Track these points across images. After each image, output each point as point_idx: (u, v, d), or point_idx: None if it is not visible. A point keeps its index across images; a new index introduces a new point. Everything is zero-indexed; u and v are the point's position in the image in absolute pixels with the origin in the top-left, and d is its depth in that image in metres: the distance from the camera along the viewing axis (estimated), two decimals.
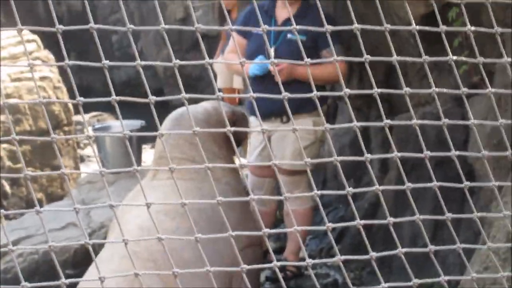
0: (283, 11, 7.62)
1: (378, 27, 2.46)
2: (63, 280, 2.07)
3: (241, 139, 7.23)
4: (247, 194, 6.56)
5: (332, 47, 2.93)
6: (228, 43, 10.19)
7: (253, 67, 7.42)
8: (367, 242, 2.43)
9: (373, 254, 2.41)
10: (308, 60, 2.63)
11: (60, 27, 1.95)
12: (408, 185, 2.49)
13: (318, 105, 2.80)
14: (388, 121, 2.50)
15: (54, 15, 2.07)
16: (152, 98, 2.10)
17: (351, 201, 2.63)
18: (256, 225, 6.21)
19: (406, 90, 2.47)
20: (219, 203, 2.52)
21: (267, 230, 2.65)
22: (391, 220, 2.48)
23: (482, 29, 2.67)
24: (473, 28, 2.63)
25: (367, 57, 2.46)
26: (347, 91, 2.44)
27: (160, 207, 5.65)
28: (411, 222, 2.59)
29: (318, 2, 2.71)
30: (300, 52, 2.54)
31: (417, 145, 2.55)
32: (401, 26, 2.45)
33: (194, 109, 6.61)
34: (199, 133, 5.80)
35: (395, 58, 2.40)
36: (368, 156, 2.46)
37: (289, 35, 7.47)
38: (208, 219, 5.62)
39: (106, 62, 2.11)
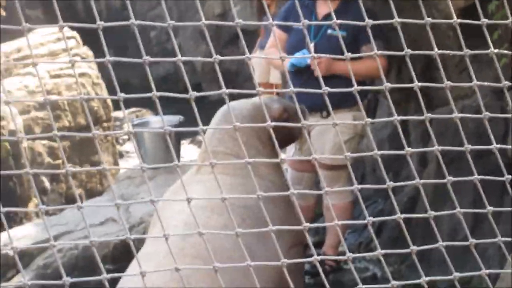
0: (324, 7, 7.60)
1: (419, 21, 2.45)
2: (105, 275, 2.07)
3: (294, 136, 6.84)
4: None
5: (373, 43, 2.91)
6: (267, 38, 10.22)
7: (290, 63, 7.42)
8: (407, 236, 2.42)
9: (414, 248, 2.40)
10: (348, 55, 2.61)
11: (101, 24, 1.96)
12: (449, 178, 2.48)
13: (359, 99, 2.79)
14: (429, 114, 2.49)
15: (95, 11, 2.07)
16: (193, 94, 2.10)
17: (391, 194, 2.62)
18: (299, 222, 6.13)
19: (447, 83, 2.45)
20: (259, 198, 2.52)
21: (307, 225, 2.65)
22: (432, 213, 2.47)
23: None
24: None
25: (407, 51, 2.45)
26: (387, 85, 2.44)
27: (205, 202, 5.57)
28: (450, 216, 2.58)
29: (360, 3, 2.70)
30: (340, 48, 2.53)
31: (455, 138, 2.55)
32: (442, 20, 2.44)
33: (243, 104, 6.51)
34: (243, 129, 5.76)
35: (436, 51, 2.39)
36: (408, 149, 2.45)
37: (329, 31, 7.45)
38: (255, 217, 5.49)
39: (147, 58, 2.11)
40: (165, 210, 5.73)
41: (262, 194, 2.60)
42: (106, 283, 2.01)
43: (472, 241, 2.47)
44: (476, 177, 2.48)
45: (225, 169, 5.77)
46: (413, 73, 2.49)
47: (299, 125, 2.53)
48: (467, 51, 2.46)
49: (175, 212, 5.71)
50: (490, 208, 2.48)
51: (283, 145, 6.81)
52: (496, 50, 2.50)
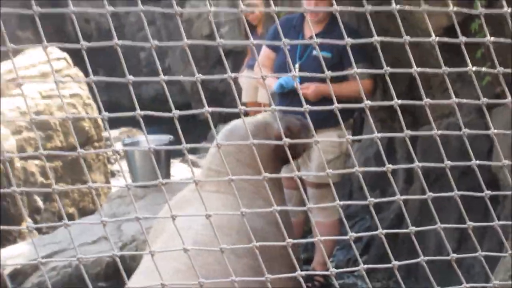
0: (312, 28, 7.62)
1: (398, 39, 2.45)
2: None
3: (298, 153, 6.77)
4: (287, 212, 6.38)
5: (354, 65, 2.90)
6: (253, 58, 10.26)
7: (278, 84, 7.43)
8: (389, 251, 2.42)
9: (396, 263, 2.40)
10: (328, 73, 2.61)
11: (84, 43, 1.95)
12: (429, 194, 2.49)
13: (340, 119, 2.80)
14: (409, 131, 2.49)
15: (78, 31, 2.07)
16: (176, 112, 2.10)
17: (373, 211, 2.63)
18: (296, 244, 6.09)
19: (426, 101, 2.46)
20: (242, 214, 2.51)
21: (290, 240, 2.65)
22: (413, 229, 2.47)
23: (502, 40, 2.66)
24: (492, 39, 2.62)
25: (386, 69, 2.45)
26: (367, 103, 2.43)
27: (206, 220, 5.49)
28: (436, 232, 2.58)
29: (341, 25, 2.70)
30: (329, 69, 2.53)
31: (440, 156, 2.54)
32: (421, 38, 2.44)
33: (243, 123, 6.39)
34: (244, 150, 5.73)
35: (414, 69, 2.39)
36: (389, 166, 2.45)
37: (314, 52, 7.44)
38: (262, 238, 5.38)
39: (130, 78, 2.11)
40: (167, 226, 5.65)
41: (246, 210, 2.58)
42: None
43: (453, 255, 2.47)
44: (456, 192, 2.49)
45: (228, 188, 5.63)
46: (393, 91, 2.49)
47: (281, 142, 2.52)
48: (445, 69, 2.46)
49: (181, 228, 5.61)
50: (470, 223, 2.48)
51: (285, 162, 6.78)
52: (474, 68, 2.50)
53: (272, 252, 4.55)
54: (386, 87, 7.52)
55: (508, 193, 2.63)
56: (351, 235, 2.62)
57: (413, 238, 2.54)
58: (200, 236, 5.23)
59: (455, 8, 2.61)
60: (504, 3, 2.66)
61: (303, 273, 2.61)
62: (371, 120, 2.60)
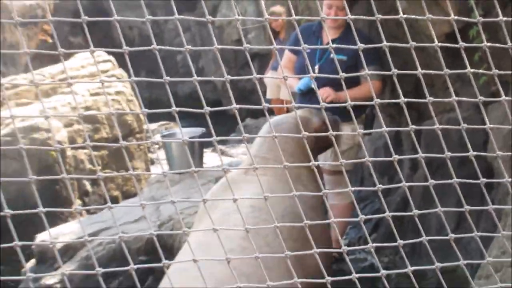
0: (329, 33, 7.61)
1: (405, 45, 2.44)
2: (132, 266, 2.05)
3: (330, 144, 6.79)
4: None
5: (365, 68, 2.90)
6: (277, 61, 10.27)
7: (297, 89, 7.49)
8: (395, 231, 2.42)
9: (400, 242, 2.39)
10: (342, 75, 2.60)
11: (127, 48, 1.95)
12: (431, 181, 2.48)
13: (353, 115, 2.79)
14: (413, 126, 2.49)
15: (122, 37, 2.07)
16: (207, 109, 2.09)
17: (381, 196, 2.62)
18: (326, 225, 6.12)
19: (429, 99, 2.45)
20: (265, 199, 2.50)
21: (307, 222, 2.64)
22: (416, 212, 2.47)
23: (497, 45, 2.64)
24: (488, 44, 2.61)
25: (394, 71, 2.45)
26: (377, 100, 2.43)
27: (255, 202, 5.49)
28: (437, 215, 2.57)
29: (354, 32, 2.69)
30: (342, 71, 2.53)
31: (442, 147, 2.53)
32: (425, 44, 2.43)
33: (287, 118, 6.52)
34: (288, 141, 5.76)
35: (419, 71, 2.38)
36: (395, 157, 2.45)
37: (332, 55, 7.43)
38: (299, 220, 5.37)
39: (167, 78, 2.10)
40: (215, 207, 5.67)
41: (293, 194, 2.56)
42: (134, 273, 1.99)
43: (451, 235, 2.46)
44: (455, 180, 2.48)
45: (274, 173, 5.75)
46: (399, 91, 2.48)
47: (300, 135, 2.50)
48: (447, 71, 2.45)
49: (232, 211, 5.65)
50: (467, 207, 2.47)
51: (323, 151, 7.01)
52: (472, 70, 2.50)
53: (311, 233, 4.51)
54: (394, 86, 7.50)
55: (502, 180, 2.61)
56: (362, 217, 2.61)
57: (417, 220, 2.53)
58: (251, 219, 5.24)
59: (456, 17, 2.60)
60: (499, 12, 2.64)
61: (318, 250, 2.58)
62: (381, 116, 2.60)
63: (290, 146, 6.11)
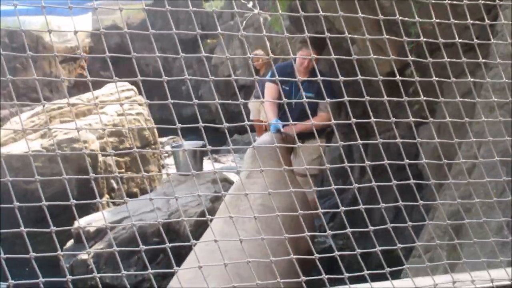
0: (301, 75, 7.92)
1: (354, 78, 2.44)
2: (142, 247, 2.02)
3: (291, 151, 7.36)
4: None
5: (321, 104, 2.90)
6: (257, 90, 10.35)
7: (272, 126, 7.67)
8: (346, 222, 2.39)
9: (349, 230, 2.38)
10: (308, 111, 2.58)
11: (141, 78, 1.94)
12: (373, 184, 2.46)
13: (316, 134, 2.79)
14: (360, 141, 2.48)
15: (137, 72, 2.05)
16: (201, 125, 2.08)
17: (335, 194, 2.61)
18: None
19: (372, 120, 2.44)
20: (269, 193, 2.48)
21: (279, 213, 2.61)
22: (362, 207, 2.45)
23: (426, 79, 2.64)
24: (419, 79, 2.60)
25: (346, 99, 2.45)
26: (334, 122, 2.42)
27: (264, 201, 5.59)
28: (379, 208, 2.55)
29: (320, 81, 2.68)
30: (310, 104, 2.54)
31: (383, 157, 2.52)
32: (370, 77, 2.43)
33: (268, 137, 6.87)
34: (271, 152, 5.93)
35: (366, 98, 2.38)
36: (346, 164, 2.44)
37: (303, 93, 7.54)
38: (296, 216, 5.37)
39: (171, 101, 2.09)
40: (234, 206, 5.80)
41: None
42: (143, 254, 1.96)
43: (389, 225, 2.45)
44: (394, 182, 2.47)
45: (271, 177, 5.79)
46: (351, 114, 2.47)
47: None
48: (386, 99, 2.45)
49: (246, 208, 5.78)
50: (402, 203, 2.47)
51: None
52: (408, 99, 2.49)
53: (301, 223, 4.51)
54: (347, 110, 7.54)
55: (426, 182, 2.61)
56: (320, 211, 2.61)
57: (363, 211, 2.51)
58: (262, 214, 5.30)
59: (394, 57, 2.59)
60: (428, 56, 2.64)
61: (286, 235, 2.56)
62: (337, 134, 2.58)
63: (275, 156, 6.20)
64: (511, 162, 2.75)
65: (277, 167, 6.05)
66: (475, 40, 2.71)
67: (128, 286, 1.93)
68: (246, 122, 2.47)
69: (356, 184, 2.54)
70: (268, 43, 3.02)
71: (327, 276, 2.12)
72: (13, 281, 1.70)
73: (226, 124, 2.26)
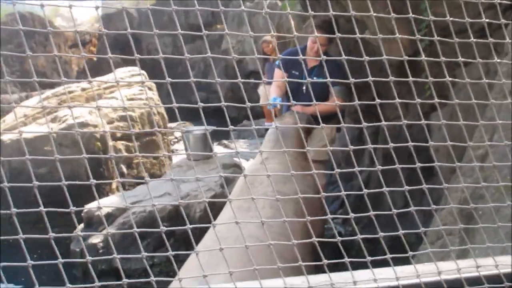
0: (311, 61, 7.85)
1: (360, 58, 2.41)
2: (162, 228, 2.02)
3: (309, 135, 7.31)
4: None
5: (332, 89, 2.87)
6: (268, 77, 10.34)
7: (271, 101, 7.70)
8: (348, 208, 2.36)
9: (352, 215, 2.36)
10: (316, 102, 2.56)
11: (161, 56, 1.92)
12: (378, 167, 2.43)
13: (318, 123, 2.76)
14: (365, 124, 2.45)
15: (159, 50, 2.04)
16: (224, 104, 2.07)
17: (338, 179, 2.57)
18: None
19: (377, 101, 2.41)
20: (268, 175, 2.47)
21: (296, 195, 2.59)
22: (365, 191, 2.43)
23: (438, 59, 2.61)
24: (426, 58, 2.57)
25: (352, 80, 2.41)
26: (339, 103, 2.38)
27: (278, 187, 5.66)
28: (390, 194, 2.52)
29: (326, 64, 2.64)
30: (322, 89, 2.51)
31: (395, 143, 2.49)
32: (376, 57, 2.39)
33: (289, 128, 6.70)
34: (291, 144, 5.97)
35: (370, 79, 2.35)
36: (351, 147, 2.41)
37: (315, 78, 7.53)
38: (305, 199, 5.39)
39: (193, 79, 2.07)
40: (250, 187, 5.91)
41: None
42: (163, 235, 1.96)
43: (394, 211, 2.42)
44: (397, 165, 2.43)
45: (286, 161, 5.89)
46: (357, 103, 2.44)
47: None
48: (391, 78, 2.42)
49: (260, 192, 5.88)
50: (406, 187, 2.44)
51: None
52: (414, 79, 2.46)
53: (311, 206, 4.53)
54: (359, 98, 7.51)
55: (433, 164, 2.58)
56: (323, 194, 2.58)
57: (365, 198, 2.48)
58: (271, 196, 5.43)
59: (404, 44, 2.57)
60: (438, 45, 2.61)
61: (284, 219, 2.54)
62: (342, 119, 2.55)
63: (293, 146, 6.30)
64: None
65: (293, 153, 6.13)
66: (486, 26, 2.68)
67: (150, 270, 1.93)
68: (247, 104, 2.45)
69: (358, 168, 2.50)
70: (272, 27, 2.99)
71: (349, 260, 2.10)
72: (31, 262, 1.70)
73: (249, 104, 2.23)
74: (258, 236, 4.59)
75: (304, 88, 7.53)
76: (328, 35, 3.31)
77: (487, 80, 2.49)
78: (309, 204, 2.50)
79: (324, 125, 2.56)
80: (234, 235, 4.40)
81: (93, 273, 1.78)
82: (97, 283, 1.75)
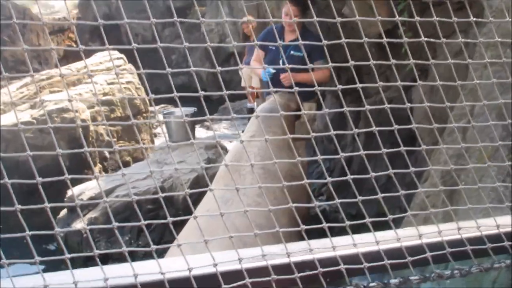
0: (289, 35, 7.85)
1: (340, 41, 2.38)
2: (142, 222, 2.00)
3: (299, 116, 7.08)
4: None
5: (315, 63, 2.86)
6: (250, 57, 10.33)
7: (263, 74, 7.66)
8: (330, 186, 2.35)
9: (338, 201, 2.34)
10: (306, 66, 2.54)
11: (135, 45, 1.90)
12: (362, 153, 2.40)
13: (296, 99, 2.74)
14: (346, 108, 2.43)
15: (131, 37, 2.01)
16: (202, 93, 2.04)
17: (321, 163, 2.56)
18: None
19: (358, 85, 2.39)
20: (275, 162, 2.44)
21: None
22: (350, 177, 2.39)
23: (417, 40, 2.59)
24: (407, 40, 2.56)
25: (331, 65, 2.39)
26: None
27: (265, 166, 5.59)
28: (374, 169, 2.51)
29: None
30: (299, 63, 2.48)
31: (377, 120, 2.48)
32: (357, 40, 2.38)
33: (275, 106, 6.51)
34: (278, 124, 5.86)
35: (351, 63, 2.33)
36: (332, 132, 2.39)
37: (292, 52, 7.54)
38: (290, 174, 5.40)
39: (169, 70, 2.05)
40: (234, 171, 5.87)
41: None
42: (144, 228, 1.94)
43: (380, 195, 2.40)
44: (384, 150, 2.42)
45: (274, 143, 5.79)
46: (336, 80, 2.43)
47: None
48: (372, 62, 2.40)
49: (246, 172, 5.83)
50: (392, 171, 2.42)
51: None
52: (395, 62, 2.44)
53: (298, 188, 4.49)
54: (340, 74, 7.51)
55: (419, 148, 2.57)
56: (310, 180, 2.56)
57: (348, 172, 2.48)
58: (262, 179, 5.40)
59: (381, 18, 2.55)
60: (418, 15, 2.60)
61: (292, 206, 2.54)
62: (321, 99, 2.54)
63: (281, 126, 6.13)
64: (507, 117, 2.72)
65: (281, 132, 6.08)
66: None
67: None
68: (247, 89, 2.43)
69: (342, 154, 2.48)
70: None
71: (327, 225, 2.09)
72: (39, 259, 1.68)
73: (226, 92, 2.22)
74: (249, 215, 4.59)
75: (280, 62, 7.61)
76: (298, 7, 3.28)
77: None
78: (295, 181, 2.49)
79: (305, 110, 2.54)
80: (224, 215, 4.42)
81: (91, 240, 1.76)
82: (96, 251, 1.74)
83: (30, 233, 1.66)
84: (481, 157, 3.48)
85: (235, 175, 5.73)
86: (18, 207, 1.66)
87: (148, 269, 1.81)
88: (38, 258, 1.66)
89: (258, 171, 5.50)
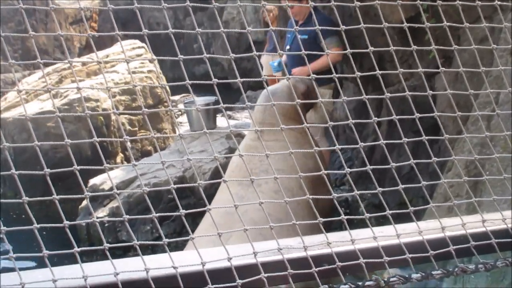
0: (296, 18, 8.06)
1: (358, 26, 2.35)
2: (154, 215, 1.99)
3: (312, 104, 6.67)
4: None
5: (323, 41, 2.83)
6: (270, 46, 10.44)
7: (272, 67, 7.86)
8: (349, 177, 2.33)
9: (357, 192, 2.31)
10: (304, 52, 2.51)
11: (145, 31, 1.89)
12: (382, 142, 2.37)
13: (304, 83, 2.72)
14: (365, 96, 2.40)
15: (143, 27, 1.99)
16: (215, 81, 2.03)
17: (339, 152, 2.53)
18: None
19: (378, 72, 2.36)
20: (291, 153, 2.43)
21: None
22: (369, 167, 2.37)
23: (440, 25, 2.56)
24: (429, 24, 2.52)
25: (349, 51, 2.36)
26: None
27: (279, 166, 5.36)
28: (397, 158, 2.49)
29: (314, 18, 2.60)
30: (306, 47, 2.44)
31: (399, 109, 2.46)
32: (374, 25, 2.34)
33: (281, 87, 6.26)
34: (284, 106, 5.56)
35: (371, 49, 2.30)
36: (350, 122, 2.36)
37: (298, 36, 7.54)
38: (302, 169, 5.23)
39: (181, 57, 2.04)
40: (250, 166, 5.71)
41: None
42: (155, 220, 1.93)
43: (401, 186, 2.37)
44: (404, 140, 2.39)
45: (279, 137, 5.48)
46: (354, 67, 2.40)
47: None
48: (392, 48, 2.36)
49: (259, 171, 5.72)
50: (413, 161, 2.39)
51: (309, 109, 6.99)
52: (416, 47, 2.40)
53: (315, 180, 4.35)
54: (362, 61, 7.45)
55: (439, 138, 2.54)
56: (344, 171, 2.53)
57: (367, 161, 2.45)
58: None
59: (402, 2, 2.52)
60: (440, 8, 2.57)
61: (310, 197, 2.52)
62: (338, 88, 2.51)
63: (287, 110, 5.73)
64: None
65: (294, 123, 5.84)
66: None
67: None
68: (262, 76, 2.41)
69: (361, 143, 2.45)
70: None
71: (346, 217, 2.07)
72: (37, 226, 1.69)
73: (240, 79, 2.21)
74: (266, 209, 4.54)
75: (287, 48, 7.73)
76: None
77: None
78: (315, 175, 2.45)
79: (321, 99, 2.51)
80: (241, 210, 4.38)
81: (101, 234, 1.76)
82: (106, 245, 1.74)
83: (38, 225, 1.67)
84: (506, 146, 3.44)
85: (247, 174, 5.67)
86: (26, 199, 1.66)
87: (160, 263, 1.80)
88: (46, 252, 1.66)
89: (272, 172, 5.44)
